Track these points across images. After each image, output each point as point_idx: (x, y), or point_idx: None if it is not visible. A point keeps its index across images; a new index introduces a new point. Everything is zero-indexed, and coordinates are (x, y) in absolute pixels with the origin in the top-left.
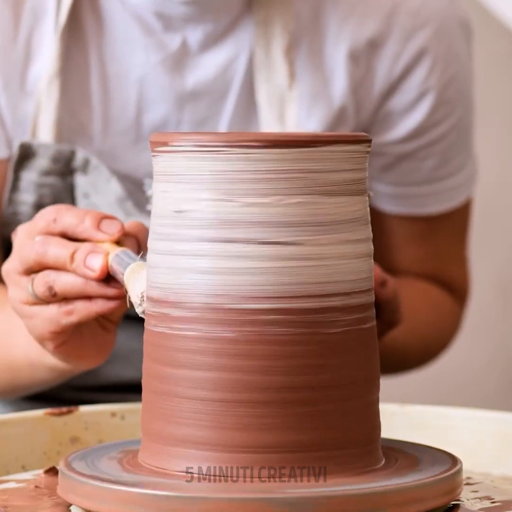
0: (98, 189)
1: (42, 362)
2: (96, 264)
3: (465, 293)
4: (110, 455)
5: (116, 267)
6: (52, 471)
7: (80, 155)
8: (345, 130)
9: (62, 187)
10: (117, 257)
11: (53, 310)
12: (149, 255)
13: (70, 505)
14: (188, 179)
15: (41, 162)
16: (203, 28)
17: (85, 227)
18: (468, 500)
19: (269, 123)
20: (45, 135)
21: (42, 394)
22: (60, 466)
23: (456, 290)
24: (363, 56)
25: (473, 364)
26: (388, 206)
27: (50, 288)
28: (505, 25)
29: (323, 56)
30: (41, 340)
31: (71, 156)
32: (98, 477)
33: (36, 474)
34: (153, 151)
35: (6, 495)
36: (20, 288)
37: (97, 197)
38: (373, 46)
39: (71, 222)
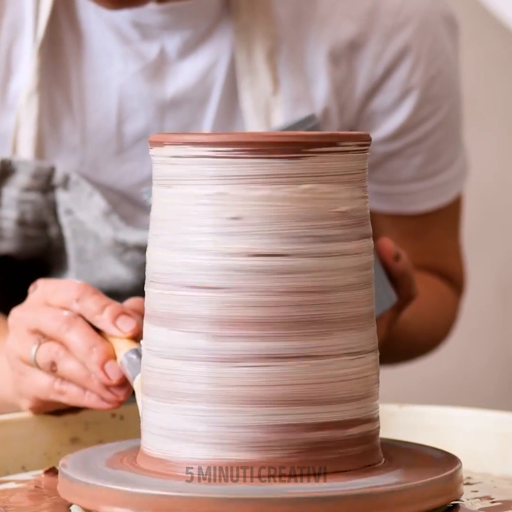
0: (80, 205)
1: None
2: (115, 374)
3: (462, 283)
4: (110, 455)
5: (125, 367)
6: (52, 471)
7: (59, 172)
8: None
9: (43, 203)
10: (126, 357)
11: (46, 381)
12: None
13: (70, 505)
14: (185, 182)
15: (21, 178)
16: (180, 35)
17: (102, 319)
18: (468, 500)
19: (255, 130)
20: (25, 150)
21: None
22: (60, 466)
23: (454, 281)
24: (344, 57)
25: (473, 365)
26: (377, 205)
27: (53, 364)
28: (505, 25)
29: (304, 59)
30: (20, 395)
31: (51, 172)
32: (98, 477)
33: (36, 474)
34: (151, 153)
35: (6, 495)
36: (22, 345)
37: (81, 213)
38: (354, 47)
39: (91, 308)
